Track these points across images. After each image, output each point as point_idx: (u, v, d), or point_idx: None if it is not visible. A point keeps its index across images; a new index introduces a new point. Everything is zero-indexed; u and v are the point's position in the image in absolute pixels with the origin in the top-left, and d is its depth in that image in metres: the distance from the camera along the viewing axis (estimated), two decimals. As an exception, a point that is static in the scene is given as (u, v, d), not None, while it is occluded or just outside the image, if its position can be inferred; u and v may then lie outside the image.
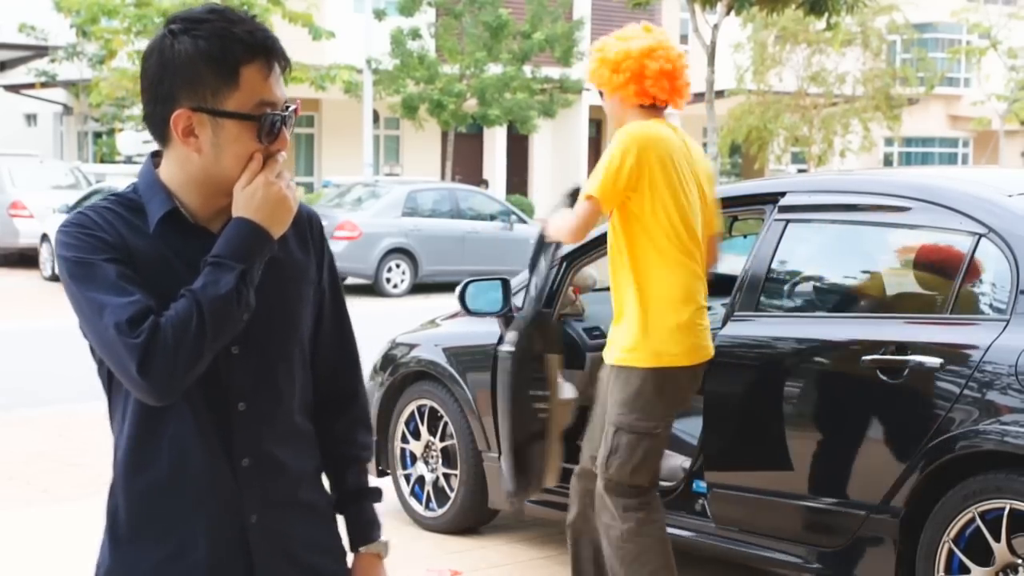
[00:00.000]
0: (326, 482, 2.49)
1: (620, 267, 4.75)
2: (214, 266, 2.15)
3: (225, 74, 2.19)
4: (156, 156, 2.32)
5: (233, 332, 2.19)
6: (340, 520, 2.50)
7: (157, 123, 2.25)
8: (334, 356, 2.48)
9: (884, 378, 4.67)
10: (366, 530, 2.49)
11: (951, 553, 4.52)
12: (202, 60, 2.18)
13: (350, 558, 2.49)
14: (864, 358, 4.74)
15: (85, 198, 20.04)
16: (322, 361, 2.45)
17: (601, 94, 4.92)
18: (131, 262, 2.19)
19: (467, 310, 5.98)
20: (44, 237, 20.58)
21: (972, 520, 4.47)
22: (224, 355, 2.23)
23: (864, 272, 5.25)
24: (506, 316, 5.81)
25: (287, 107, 2.27)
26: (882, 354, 4.69)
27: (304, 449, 2.40)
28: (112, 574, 2.31)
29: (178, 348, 2.10)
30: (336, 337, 2.48)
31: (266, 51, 2.22)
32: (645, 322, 4.63)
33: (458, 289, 5.99)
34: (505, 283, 5.86)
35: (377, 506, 2.52)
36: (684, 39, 36.01)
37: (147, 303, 2.13)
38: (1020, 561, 4.38)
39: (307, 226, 2.42)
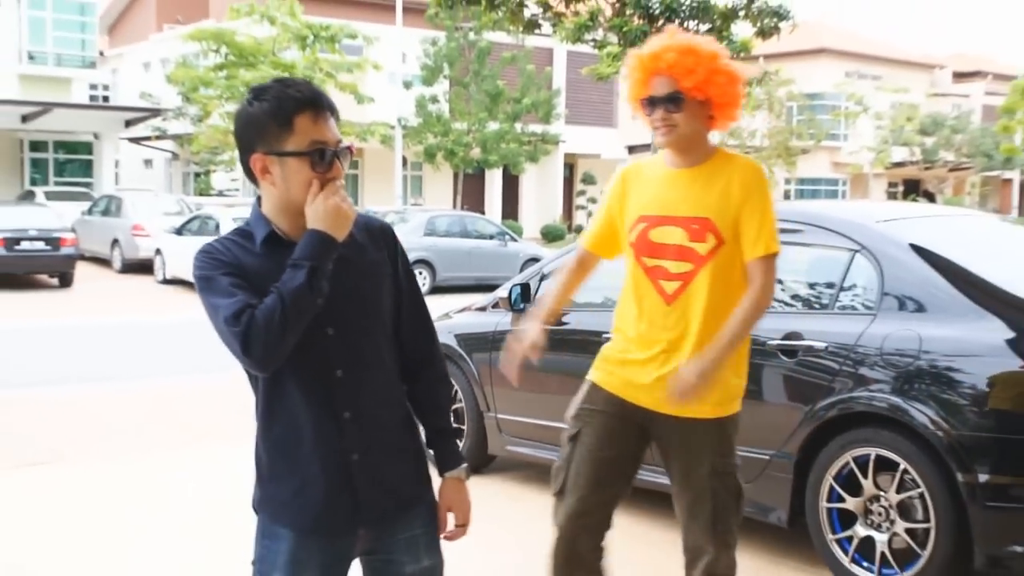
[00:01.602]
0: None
1: (731, 304, 3.12)
2: (292, 267, 2.21)
3: (283, 123, 2.24)
4: (260, 198, 2.39)
5: (310, 314, 2.23)
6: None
7: (245, 167, 2.32)
8: (414, 328, 2.52)
9: (784, 357, 4.68)
10: (449, 460, 2.53)
11: (831, 487, 4.54)
12: (266, 116, 2.24)
13: (437, 485, 2.53)
14: (769, 342, 4.74)
15: (188, 221, 20.04)
16: (405, 333, 2.49)
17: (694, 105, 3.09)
18: (243, 274, 2.26)
19: (511, 304, 5.89)
20: (157, 251, 20.54)
21: (847, 463, 4.49)
22: (322, 336, 2.29)
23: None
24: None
25: (340, 145, 2.29)
26: (782, 339, 4.70)
27: (393, 403, 2.44)
28: (261, 503, 2.40)
29: (268, 330, 2.17)
30: (414, 314, 2.52)
31: (313, 103, 2.26)
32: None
33: (507, 291, 5.89)
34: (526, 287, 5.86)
35: (458, 441, 2.56)
36: (635, 104, 36.08)
37: (247, 302, 2.20)
38: (881, 492, 4.40)
39: (380, 233, 2.45)
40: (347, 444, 2.33)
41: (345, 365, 2.33)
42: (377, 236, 2.44)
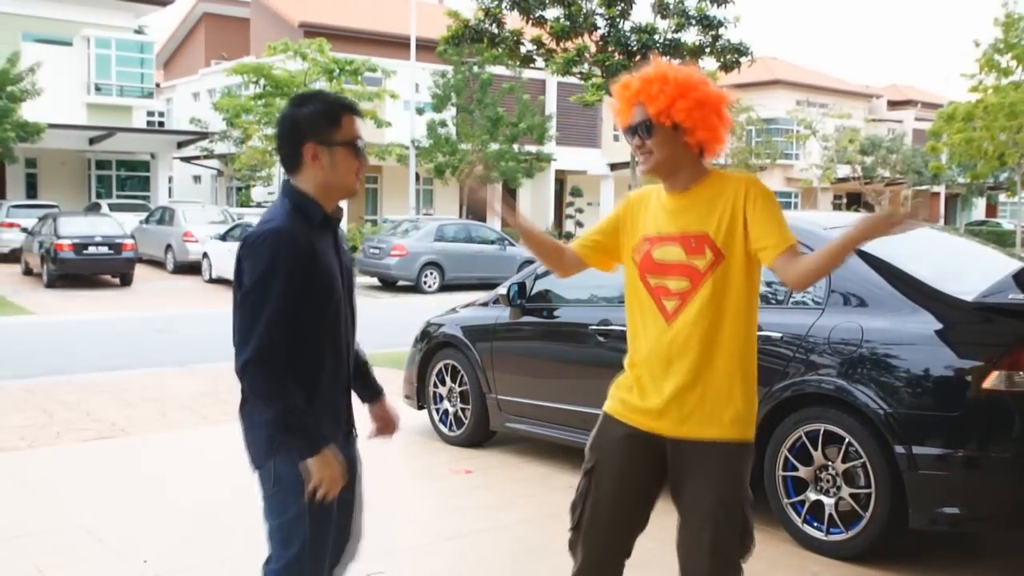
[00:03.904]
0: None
1: (749, 320, 2.69)
2: (284, 424, 2.34)
3: (333, 120, 2.43)
4: (288, 184, 2.47)
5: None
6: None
7: (292, 156, 2.44)
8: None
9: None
10: (379, 387, 2.84)
11: (786, 458, 4.53)
12: (319, 115, 2.42)
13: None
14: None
15: (231, 229, 20.03)
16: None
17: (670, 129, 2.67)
18: (310, 258, 2.35)
19: (509, 300, 5.91)
20: (205, 254, 20.54)
21: (800, 437, 4.48)
22: (345, 312, 2.52)
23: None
24: (521, 306, 5.84)
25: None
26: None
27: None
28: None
29: (260, 382, 2.32)
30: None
31: (352, 108, 2.49)
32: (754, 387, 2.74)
33: (506, 289, 5.97)
34: (522, 285, 5.86)
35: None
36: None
37: (283, 336, 2.30)
38: (829, 462, 4.39)
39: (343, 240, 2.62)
40: (345, 387, 2.60)
41: (350, 333, 2.58)
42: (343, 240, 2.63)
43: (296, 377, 2.35)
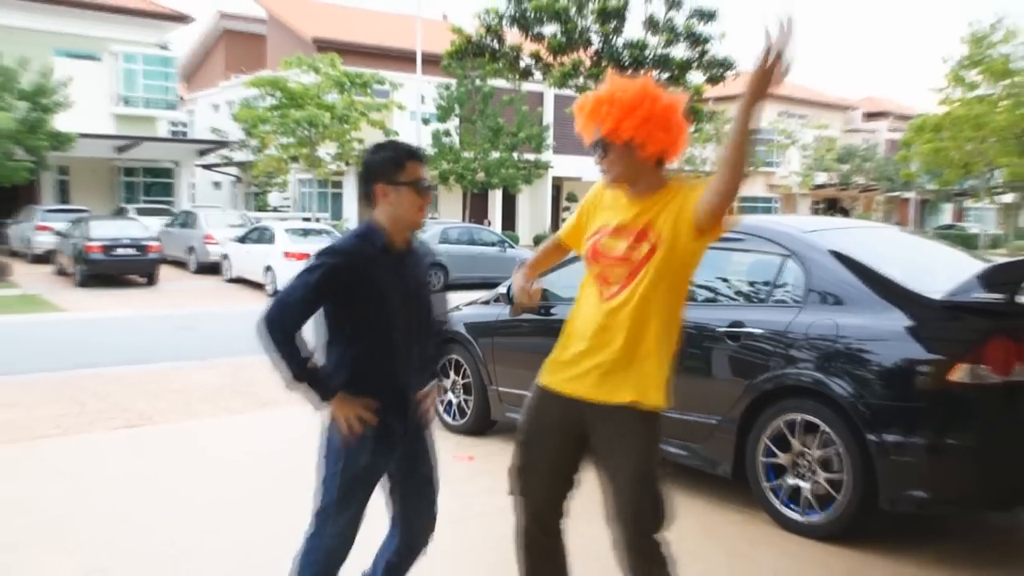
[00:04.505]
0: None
1: (675, 308, 2.80)
2: (302, 373, 2.66)
3: (398, 164, 2.73)
4: (370, 217, 2.80)
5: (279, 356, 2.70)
6: None
7: (368, 195, 2.77)
8: (436, 310, 3.16)
9: (729, 341, 4.68)
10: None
11: (766, 445, 4.54)
12: (387, 160, 2.74)
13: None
14: (718, 328, 4.74)
15: (249, 232, 20.01)
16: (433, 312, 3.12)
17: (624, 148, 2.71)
18: (364, 277, 2.67)
19: (508, 299, 5.95)
20: (224, 256, 20.48)
21: (779, 426, 4.49)
22: (407, 329, 2.83)
23: (719, 278, 5.25)
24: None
25: (429, 182, 2.80)
26: (728, 327, 4.70)
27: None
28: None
29: (269, 333, 2.61)
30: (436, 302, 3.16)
31: (415, 154, 2.77)
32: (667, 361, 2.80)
33: (505, 288, 5.99)
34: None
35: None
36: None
37: (297, 318, 2.64)
38: (806, 449, 4.41)
39: (425, 255, 2.99)
40: (403, 390, 2.84)
41: (411, 344, 2.85)
42: (425, 255, 3.00)
43: (348, 380, 2.73)
